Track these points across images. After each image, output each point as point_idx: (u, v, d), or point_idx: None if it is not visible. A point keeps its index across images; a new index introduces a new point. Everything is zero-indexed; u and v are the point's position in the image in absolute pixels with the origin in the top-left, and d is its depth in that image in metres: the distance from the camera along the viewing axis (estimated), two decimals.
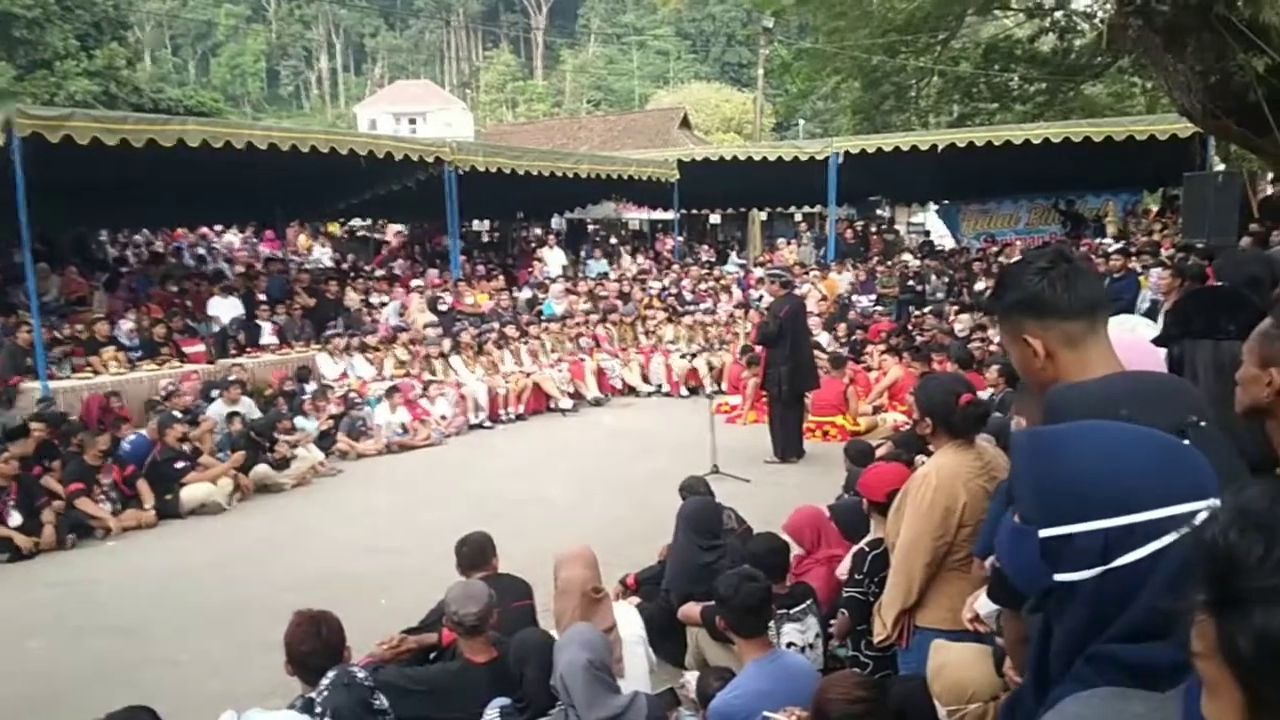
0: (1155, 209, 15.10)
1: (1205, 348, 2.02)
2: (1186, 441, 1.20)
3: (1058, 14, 13.72)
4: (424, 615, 3.59)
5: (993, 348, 8.54)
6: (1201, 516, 1.01)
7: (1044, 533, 1.13)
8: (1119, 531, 1.09)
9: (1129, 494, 1.10)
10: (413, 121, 51.31)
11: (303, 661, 2.72)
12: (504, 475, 7.84)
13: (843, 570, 3.62)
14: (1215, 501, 1.03)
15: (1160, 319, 2.93)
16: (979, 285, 11.60)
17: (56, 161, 7.52)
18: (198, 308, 10.43)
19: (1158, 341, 2.10)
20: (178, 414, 7.55)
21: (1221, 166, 11.02)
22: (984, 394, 5.51)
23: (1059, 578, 1.13)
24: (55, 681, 4.29)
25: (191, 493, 6.96)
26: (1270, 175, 9.13)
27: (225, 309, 10.35)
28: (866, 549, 3.44)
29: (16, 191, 7.21)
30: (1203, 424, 1.30)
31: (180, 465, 7.02)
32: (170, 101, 31.23)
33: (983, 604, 2.10)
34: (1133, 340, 1.96)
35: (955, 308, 11.09)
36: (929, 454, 3.34)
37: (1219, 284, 3.61)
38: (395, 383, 9.34)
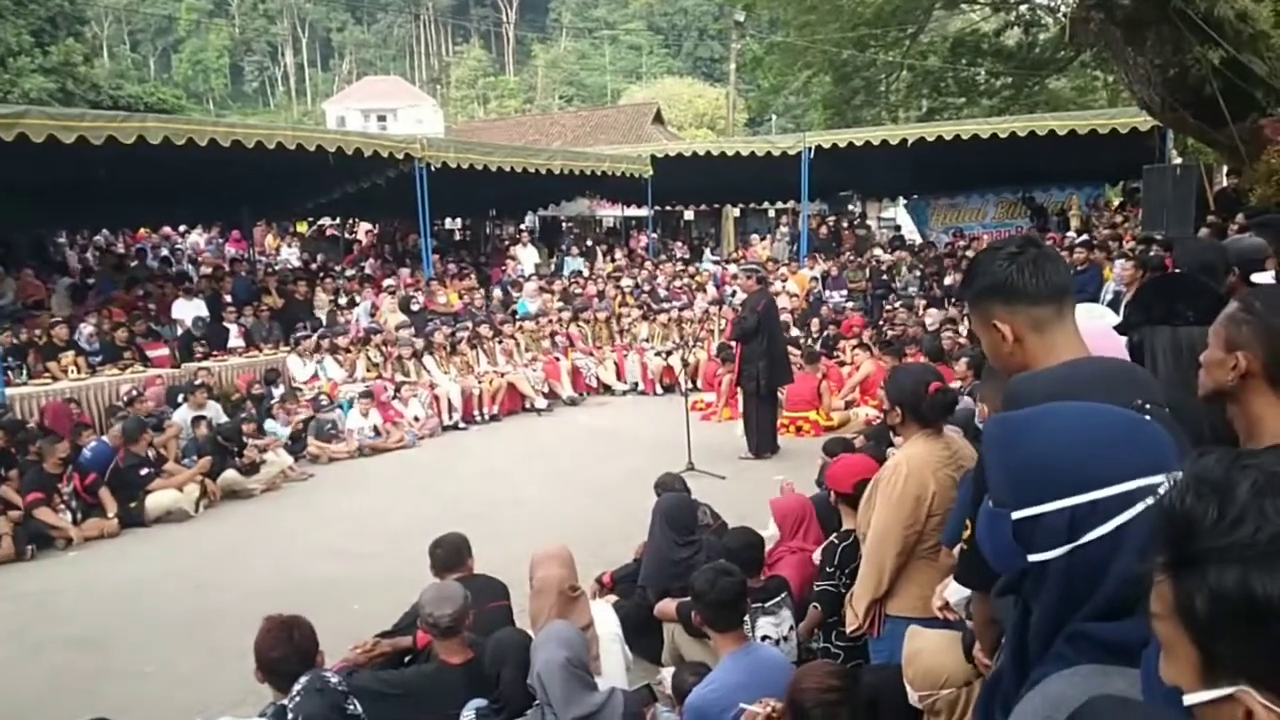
0: (1117, 202, 15.38)
1: (1164, 334, 2.05)
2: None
3: (1022, 8, 13.96)
4: (398, 619, 3.55)
5: (962, 340, 8.66)
6: (1163, 490, 1.03)
7: (1016, 515, 1.15)
8: (1083, 509, 1.11)
9: (1090, 472, 1.12)
10: (382, 118, 50.70)
11: (273, 668, 2.66)
12: (479, 476, 7.78)
13: (816, 559, 3.64)
14: (1178, 474, 1.05)
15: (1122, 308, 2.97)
16: (948, 280, 11.74)
17: (11, 161, 7.33)
18: (161, 310, 10.22)
19: (1119, 329, 2.13)
20: (143, 419, 7.39)
21: (1179, 160, 11.23)
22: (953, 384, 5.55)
23: (1032, 558, 1.15)
24: (16, 695, 4.18)
25: (157, 500, 6.80)
26: (1225, 168, 9.33)
27: (189, 311, 10.16)
28: (836, 541, 3.46)
29: None
30: (1148, 406, 1.32)
31: (145, 472, 6.86)
32: (130, 99, 30.61)
33: (952, 591, 2.12)
34: (1100, 328, 1.99)
35: (924, 302, 11.22)
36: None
37: (1178, 271, 3.69)
38: (368, 386, 9.22)
